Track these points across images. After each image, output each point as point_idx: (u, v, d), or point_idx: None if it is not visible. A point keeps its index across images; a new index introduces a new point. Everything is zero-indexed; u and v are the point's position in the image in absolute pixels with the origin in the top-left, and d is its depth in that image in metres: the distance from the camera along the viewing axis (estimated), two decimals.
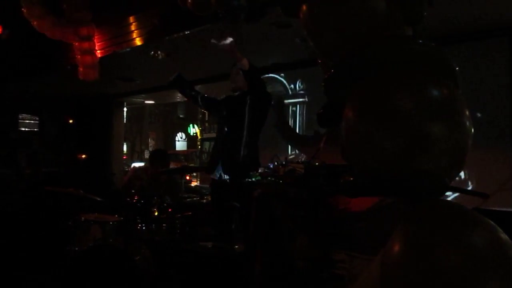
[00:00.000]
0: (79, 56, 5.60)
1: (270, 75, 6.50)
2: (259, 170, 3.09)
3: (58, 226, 4.70)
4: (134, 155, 26.50)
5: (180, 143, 26.80)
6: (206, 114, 22.43)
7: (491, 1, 3.66)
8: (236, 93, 4.18)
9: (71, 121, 8.91)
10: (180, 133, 27.14)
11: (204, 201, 6.03)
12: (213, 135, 16.33)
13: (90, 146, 8.77)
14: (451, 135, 1.43)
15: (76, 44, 5.55)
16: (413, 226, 1.38)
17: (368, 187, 1.49)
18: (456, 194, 3.59)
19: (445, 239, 1.31)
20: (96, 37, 5.58)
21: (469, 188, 4.29)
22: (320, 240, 2.67)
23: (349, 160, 1.60)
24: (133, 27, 5.32)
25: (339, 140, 1.61)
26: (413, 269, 1.30)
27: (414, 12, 1.64)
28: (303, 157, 5.60)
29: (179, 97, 9.61)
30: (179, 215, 4.43)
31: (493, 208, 2.90)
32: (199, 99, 4.47)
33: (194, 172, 13.48)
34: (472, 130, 1.49)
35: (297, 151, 6.16)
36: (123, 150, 11.21)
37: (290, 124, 6.37)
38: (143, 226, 4.30)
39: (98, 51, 5.64)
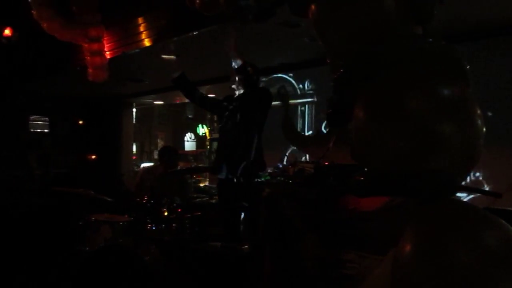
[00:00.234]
0: (88, 58, 5.64)
1: (279, 75, 6.49)
2: (269, 170, 3.10)
3: (69, 227, 4.73)
4: (143, 155, 26.57)
5: (189, 144, 26.83)
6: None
7: None
8: (238, 92, 4.18)
9: (81, 122, 8.97)
10: (189, 133, 27.17)
11: (213, 201, 6.04)
12: None
13: (99, 147, 8.81)
14: (462, 134, 1.42)
15: (86, 45, 5.59)
16: (424, 226, 1.37)
17: (379, 187, 1.48)
18: (470, 195, 3.57)
19: (457, 239, 1.30)
20: (105, 38, 5.61)
21: (481, 187, 4.26)
22: (330, 240, 2.66)
23: (359, 160, 1.59)
24: (141, 28, 5.34)
25: (348, 140, 1.60)
26: (425, 269, 1.29)
27: (424, 11, 1.63)
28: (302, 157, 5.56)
29: None
30: (188, 215, 4.43)
31: (505, 208, 2.88)
32: (201, 99, 4.48)
33: (203, 172, 13.48)
34: (484, 129, 1.47)
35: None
36: (132, 151, 11.27)
37: (297, 123, 6.36)
38: (153, 226, 4.31)
39: (107, 52, 5.67)
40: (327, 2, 1.68)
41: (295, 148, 5.88)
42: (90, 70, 5.67)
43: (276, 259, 2.89)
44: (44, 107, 8.63)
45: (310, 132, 6.27)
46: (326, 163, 2.87)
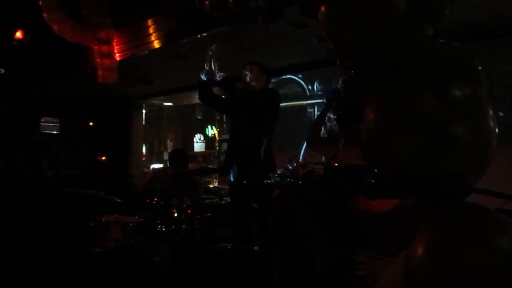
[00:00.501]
0: (98, 59, 5.67)
1: (288, 76, 6.49)
2: (278, 171, 3.09)
3: (79, 227, 4.76)
4: (153, 156, 26.67)
5: (198, 145, 26.88)
6: (224, 115, 22.45)
7: None
8: (250, 93, 4.17)
9: (91, 123, 9.02)
10: (198, 134, 27.24)
11: (223, 202, 6.05)
12: None
13: (110, 148, 8.86)
14: (475, 135, 1.40)
15: (96, 47, 5.62)
16: (437, 227, 1.37)
17: (390, 189, 1.47)
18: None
19: (470, 241, 1.29)
20: (115, 40, 5.64)
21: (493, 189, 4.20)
22: (340, 241, 2.65)
23: (370, 161, 1.58)
24: (151, 30, 5.36)
25: (359, 141, 1.60)
26: (437, 271, 1.28)
27: (435, 11, 1.62)
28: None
29: (197, 98, 9.65)
30: (198, 216, 4.45)
31: None
32: (214, 100, 4.47)
33: (213, 173, 13.48)
34: (496, 130, 1.46)
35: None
36: (142, 152, 11.30)
37: (306, 125, 6.34)
38: (163, 227, 4.32)
39: (117, 54, 5.70)
40: (337, 2, 1.68)
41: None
42: (100, 72, 5.71)
43: (286, 260, 2.89)
44: (55, 108, 8.69)
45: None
46: (336, 164, 2.86)
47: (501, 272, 1.26)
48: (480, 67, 1.56)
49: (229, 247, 4.21)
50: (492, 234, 1.32)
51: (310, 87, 6.43)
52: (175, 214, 4.39)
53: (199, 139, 27.57)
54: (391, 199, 2.36)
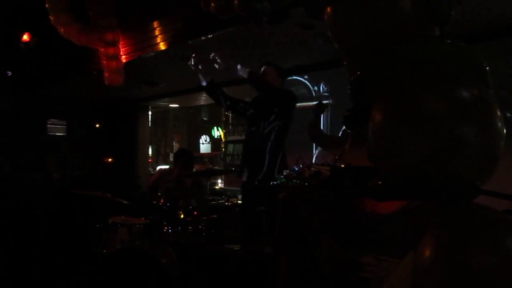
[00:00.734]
0: (104, 62, 5.69)
1: (294, 77, 6.47)
2: (284, 173, 3.08)
3: (86, 229, 4.78)
4: (159, 158, 26.76)
5: (204, 146, 26.94)
6: (230, 116, 22.49)
7: None
8: (264, 95, 4.16)
9: (97, 125, 9.06)
10: (204, 135, 27.29)
11: (229, 203, 6.05)
12: (237, 137, 16.34)
13: (116, 150, 8.89)
14: (483, 136, 1.39)
15: (102, 49, 5.64)
16: (445, 229, 1.36)
17: (397, 190, 1.46)
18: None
19: (478, 243, 1.29)
20: (121, 42, 5.66)
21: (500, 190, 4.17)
22: (347, 243, 2.64)
23: (377, 163, 1.58)
24: (157, 32, 5.37)
25: (365, 142, 1.59)
26: (445, 273, 1.28)
27: (441, 12, 1.61)
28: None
29: (203, 100, 9.67)
30: (204, 218, 4.45)
31: None
32: (230, 103, 4.47)
33: (219, 174, 13.49)
34: (505, 131, 1.45)
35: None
36: (148, 153, 11.33)
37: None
38: (169, 229, 4.33)
39: (123, 56, 5.72)
40: (343, 4, 1.67)
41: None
42: (106, 74, 5.73)
43: (292, 262, 2.88)
44: (62, 111, 8.74)
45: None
46: (342, 166, 2.85)
47: (509, 273, 1.25)
48: (487, 68, 1.55)
49: (235, 248, 4.21)
50: (500, 236, 1.31)
51: (316, 88, 6.41)
52: (181, 216, 4.39)
53: (205, 141, 27.62)
54: (398, 201, 2.35)
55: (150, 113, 10.14)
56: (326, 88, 6.27)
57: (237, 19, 3.21)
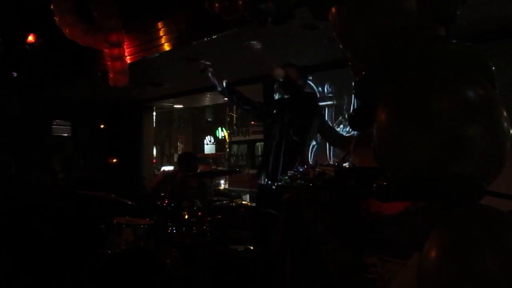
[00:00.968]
0: (109, 63, 5.71)
1: None
2: (289, 173, 3.08)
3: (91, 229, 4.79)
4: (164, 158, 26.85)
5: (209, 146, 27.02)
6: (234, 117, 22.55)
7: None
8: (287, 96, 4.13)
9: (102, 126, 9.09)
10: (208, 136, 27.36)
11: (234, 204, 6.05)
12: (241, 138, 16.37)
13: (121, 151, 8.92)
14: (489, 137, 1.38)
15: (107, 50, 5.66)
16: (450, 230, 1.35)
17: (402, 191, 1.46)
18: None
19: (484, 244, 1.28)
20: (125, 43, 5.68)
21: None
22: (351, 244, 2.63)
23: (382, 163, 1.57)
24: (161, 33, 5.39)
25: (371, 143, 1.58)
26: (451, 275, 1.27)
27: (447, 11, 1.60)
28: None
29: (207, 100, 9.69)
30: (209, 218, 4.45)
31: None
32: (249, 105, 4.43)
33: (224, 175, 13.51)
34: (511, 131, 1.44)
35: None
36: (153, 154, 11.37)
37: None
38: (174, 229, 4.34)
39: (128, 57, 5.74)
40: (348, 3, 1.67)
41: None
42: (111, 75, 5.75)
43: (296, 263, 2.87)
44: (67, 111, 8.78)
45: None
46: (347, 166, 2.85)
47: None
48: (493, 68, 1.54)
49: (239, 249, 4.21)
50: (505, 237, 1.30)
51: (320, 89, 6.40)
52: (186, 216, 4.40)
53: (210, 141, 27.64)
54: (403, 202, 2.35)
55: (154, 113, 10.16)
56: (330, 89, 6.25)
57: (241, 19, 3.22)
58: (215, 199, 6.38)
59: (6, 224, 5.92)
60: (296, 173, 2.91)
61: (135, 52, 5.71)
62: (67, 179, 8.47)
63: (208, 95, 8.45)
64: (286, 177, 3.00)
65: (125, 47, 5.69)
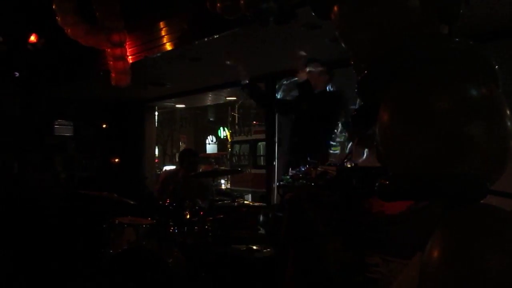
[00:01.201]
0: (111, 62, 5.71)
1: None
2: (290, 173, 3.07)
3: (93, 229, 4.80)
4: (166, 158, 26.89)
5: (211, 146, 27.04)
6: (236, 117, 22.56)
7: None
8: (310, 95, 4.05)
9: (104, 126, 9.10)
10: (210, 136, 27.38)
11: (236, 203, 6.04)
12: (243, 137, 16.38)
13: (123, 150, 8.92)
14: (492, 136, 1.38)
15: (109, 50, 5.66)
16: (453, 230, 1.34)
17: (404, 190, 1.45)
18: None
19: (487, 243, 1.27)
20: (127, 43, 5.68)
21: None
22: (354, 244, 2.63)
23: (385, 163, 1.57)
24: (163, 32, 5.39)
25: (374, 142, 1.58)
26: (454, 274, 1.27)
27: (450, 10, 1.59)
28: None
29: (209, 100, 9.68)
30: (211, 218, 4.45)
31: None
32: (273, 103, 4.37)
33: (226, 175, 13.53)
34: None
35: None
36: (155, 154, 11.37)
37: None
38: (176, 229, 4.33)
39: (130, 57, 5.74)
40: (350, 2, 1.66)
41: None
42: (113, 75, 5.75)
43: (298, 262, 2.87)
44: (69, 111, 8.78)
45: None
46: (349, 166, 2.84)
47: None
48: (497, 66, 1.53)
49: (242, 249, 4.21)
50: (508, 236, 1.30)
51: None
52: (188, 216, 4.40)
53: (211, 141, 27.64)
54: (405, 201, 2.34)
55: (156, 113, 10.16)
56: (332, 88, 6.24)
57: (243, 19, 3.22)
58: (217, 198, 6.37)
59: (8, 223, 5.94)
60: (298, 173, 2.91)
61: (137, 52, 5.71)
62: (69, 179, 8.48)
63: (210, 95, 8.45)
64: (288, 177, 3.00)
65: (127, 47, 5.69)
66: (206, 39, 4.74)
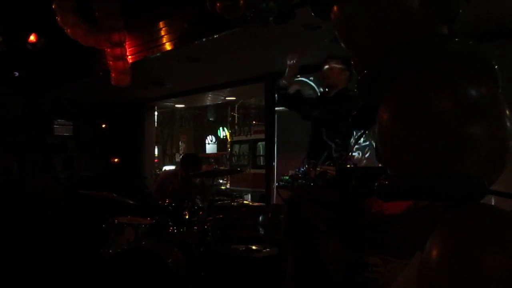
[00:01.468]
0: (111, 62, 5.71)
1: (299, 78, 6.46)
2: (290, 173, 3.07)
3: (93, 229, 4.80)
4: (166, 158, 26.90)
5: (210, 146, 27.05)
6: (236, 117, 22.56)
7: None
8: (333, 92, 3.93)
9: (104, 126, 9.09)
10: (210, 136, 27.38)
11: (235, 204, 6.05)
12: (243, 137, 16.38)
13: (122, 150, 8.92)
14: (492, 136, 1.38)
15: (108, 50, 5.66)
16: (453, 230, 1.34)
17: (404, 190, 1.45)
18: None
19: (486, 243, 1.27)
20: (127, 43, 5.67)
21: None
22: (353, 244, 2.63)
23: (384, 163, 1.57)
24: (163, 32, 5.38)
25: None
26: (454, 274, 1.26)
27: (449, 10, 1.59)
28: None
29: (209, 100, 9.68)
30: (210, 218, 4.45)
31: None
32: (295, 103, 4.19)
33: (225, 175, 13.51)
34: None
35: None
36: (154, 154, 11.36)
37: None
38: (175, 229, 4.33)
39: (130, 57, 5.73)
40: (350, 2, 1.66)
41: None
42: (113, 75, 5.75)
43: (298, 262, 2.87)
44: (68, 111, 8.78)
45: None
46: (348, 166, 2.84)
47: None
48: (496, 66, 1.53)
49: (241, 248, 4.21)
50: (508, 236, 1.30)
51: (322, 89, 6.39)
52: (187, 216, 4.40)
53: (211, 141, 27.64)
54: (405, 201, 2.34)
55: (156, 113, 10.16)
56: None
57: (243, 19, 3.22)
58: (217, 198, 6.38)
59: (8, 224, 5.93)
60: (297, 173, 2.91)
61: (137, 51, 5.71)
62: (69, 179, 8.47)
63: (210, 95, 8.46)
64: (287, 177, 2.99)
65: (127, 46, 5.69)
66: (206, 39, 4.75)
